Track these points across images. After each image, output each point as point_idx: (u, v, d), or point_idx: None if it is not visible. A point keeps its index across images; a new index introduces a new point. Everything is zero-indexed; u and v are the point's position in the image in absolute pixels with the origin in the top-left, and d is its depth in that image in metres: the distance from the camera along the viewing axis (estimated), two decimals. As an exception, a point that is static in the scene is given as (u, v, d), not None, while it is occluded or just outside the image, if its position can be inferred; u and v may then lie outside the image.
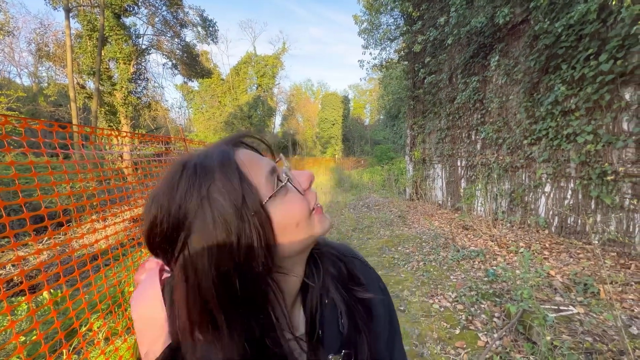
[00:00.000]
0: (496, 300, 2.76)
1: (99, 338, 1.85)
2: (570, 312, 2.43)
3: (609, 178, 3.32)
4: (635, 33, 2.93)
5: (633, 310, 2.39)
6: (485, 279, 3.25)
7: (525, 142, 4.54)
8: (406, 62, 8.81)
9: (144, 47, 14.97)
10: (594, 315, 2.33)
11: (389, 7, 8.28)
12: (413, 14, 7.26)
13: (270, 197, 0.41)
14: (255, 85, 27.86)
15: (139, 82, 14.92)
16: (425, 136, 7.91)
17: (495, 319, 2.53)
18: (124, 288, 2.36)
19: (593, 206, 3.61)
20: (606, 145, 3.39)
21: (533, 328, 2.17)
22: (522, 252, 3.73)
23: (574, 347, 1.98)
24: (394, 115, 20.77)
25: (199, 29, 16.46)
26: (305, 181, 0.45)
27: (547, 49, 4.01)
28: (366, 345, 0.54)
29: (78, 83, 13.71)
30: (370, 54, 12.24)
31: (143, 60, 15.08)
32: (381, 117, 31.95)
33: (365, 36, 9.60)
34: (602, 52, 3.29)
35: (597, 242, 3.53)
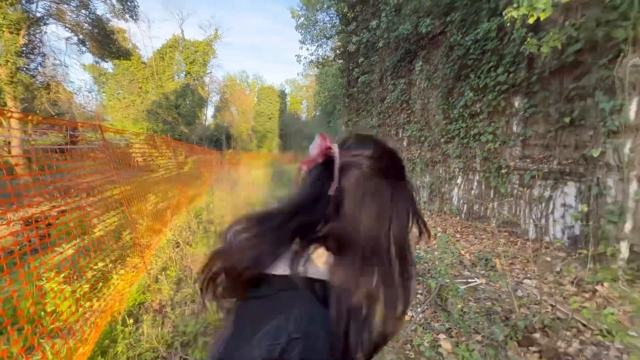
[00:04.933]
0: (419, 279, 3.11)
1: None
2: (476, 283, 2.89)
3: (503, 171, 4.01)
4: (522, 52, 3.58)
5: (519, 278, 2.95)
6: (411, 261, 3.63)
7: (442, 140, 5.17)
8: (341, 61, 9.15)
9: (38, 14, 12.42)
10: (492, 284, 2.82)
11: (325, 5, 8.47)
12: (348, 14, 7.56)
13: None
14: (184, 73, 25.63)
15: (32, 57, 12.36)
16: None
17: (419, 296, 2.85)
18: (21, 302, 1.97)
19: (492, 195, 4.33)
20: (502, 144, 4.08)
21: (448, 299, 2.52)
22: (440, 236, 4.27)
23: (478, 311, 2.36)
24: (330, 112, 21.41)
25: (114, 1, 14.36)
26: None
27: (460, 59, 4.62)
28: None
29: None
30: (307, 49, 12.37)
31: (38, 30, 12.52)
32: (317, 113, 32.61)
33: (302, 31, 9.66)
34: (500, 65, 3.94)
35: (494, 224, 4.24)
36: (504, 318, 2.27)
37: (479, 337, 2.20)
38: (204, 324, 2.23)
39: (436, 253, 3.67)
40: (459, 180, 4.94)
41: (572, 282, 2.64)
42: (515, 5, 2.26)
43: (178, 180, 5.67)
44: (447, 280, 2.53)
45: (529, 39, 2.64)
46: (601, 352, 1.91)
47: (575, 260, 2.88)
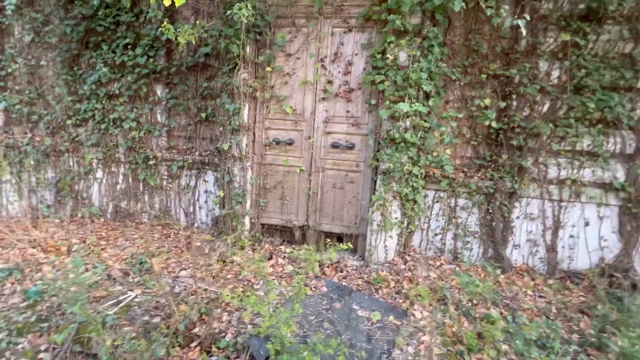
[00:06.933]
0: (42, 328, 2.09)
1: None
2: (130, 297, 2.44)
3: (151, 162, 3.75)
4: (160, 38, 3.44)
5: (176, 271, 2.90)
6: (25, 304, 2.38)
7: (69, 122, 3.90)
8: None
9: None
10: (149, 290, 2.52)
11: None
12: None
13: None
14: None
15: None
16: None
17: (42, 355, 1.90)
18: None
19: (142, 188, 3.95)
20: (147, 133, 3.78)
21: (92, 339, 1.88)
22: (76, 251, 3.23)
23: (135, 336, 1.97)
24: None
25: None
26: None
27: (86, 20, 3.62)
28: None
29: None
30: None
31: None
32: None
33: None
34: (138, 46, 3.54)
35: (147, 220, 3.94)
36: (165, 328, 2.07)
37: (137, 368, 1.83)
38: None
39: (72, 276, 2.70)
40: (99, 174, 4.02)
41: (218, 260, 3.01)
42: (148, -26, 1.97)
43: None
44: (85, 317, 1.85)
45: (165, 23, 2.50)
46: (234, 311, 2.29)
47: (218, 239, 3.32)
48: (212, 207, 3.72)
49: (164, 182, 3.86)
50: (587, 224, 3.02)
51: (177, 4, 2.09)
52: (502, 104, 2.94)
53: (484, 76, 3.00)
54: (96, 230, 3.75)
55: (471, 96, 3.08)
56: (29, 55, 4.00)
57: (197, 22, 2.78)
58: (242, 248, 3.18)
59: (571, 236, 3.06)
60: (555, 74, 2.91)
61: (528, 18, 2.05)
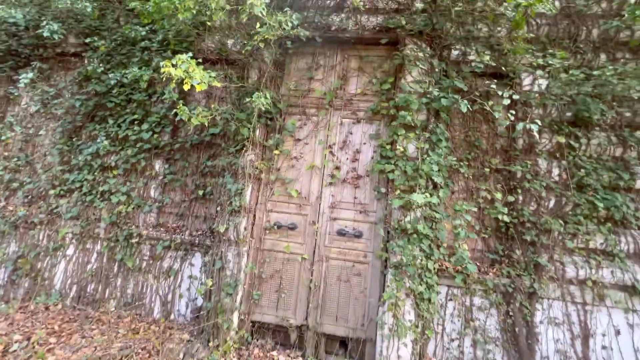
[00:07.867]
0: None
1: None
2: None
3: (134, 240, 3.38)
4: (168, 116, 3.49)
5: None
6: None
7: (52, 192, 3.63)
8: None
9: None
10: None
11: None
12: None
13: None
14: None
15: None
16: None
17: None
18: None
19: (115, 269, 3.47)
20: (136, 208, 3.51)
21: None
22: (15, 352, 2.58)
23: None
24: None
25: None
26: None
27: (98, 96, 3.70)
28: None
29: None
30: None
31: None
32: None
33: None
34: (145, 122, 3.56)
35: (114, 308, 3.34)
36: None
37: None
38: None
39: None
40: (70, 251, 3.56)
41: (195, 371, 2.43)
42: (174, 62, 2.03)
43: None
44: None
45: (180, 105, 2.52)
46: None
47: (198, 339, 2.76)
48: (194, 296, 3.23)
49: (144, 264, 3.41)
50: (618, 332, 2.72)
51: (197, 90, 2.11)
52: (511, 198, 2.92)
53: (487, 170, 3.05)
54: (48, 321, 3.10)
55: (476, 188, 3.09)
56: (29, 124, 3.95)
57: (212, 105, 2.83)
58: (225, 353, 2.63)
59: (604, 347, 2.71)
60: (555, 171, 2.99)
61: (540, 123, 2.16)
